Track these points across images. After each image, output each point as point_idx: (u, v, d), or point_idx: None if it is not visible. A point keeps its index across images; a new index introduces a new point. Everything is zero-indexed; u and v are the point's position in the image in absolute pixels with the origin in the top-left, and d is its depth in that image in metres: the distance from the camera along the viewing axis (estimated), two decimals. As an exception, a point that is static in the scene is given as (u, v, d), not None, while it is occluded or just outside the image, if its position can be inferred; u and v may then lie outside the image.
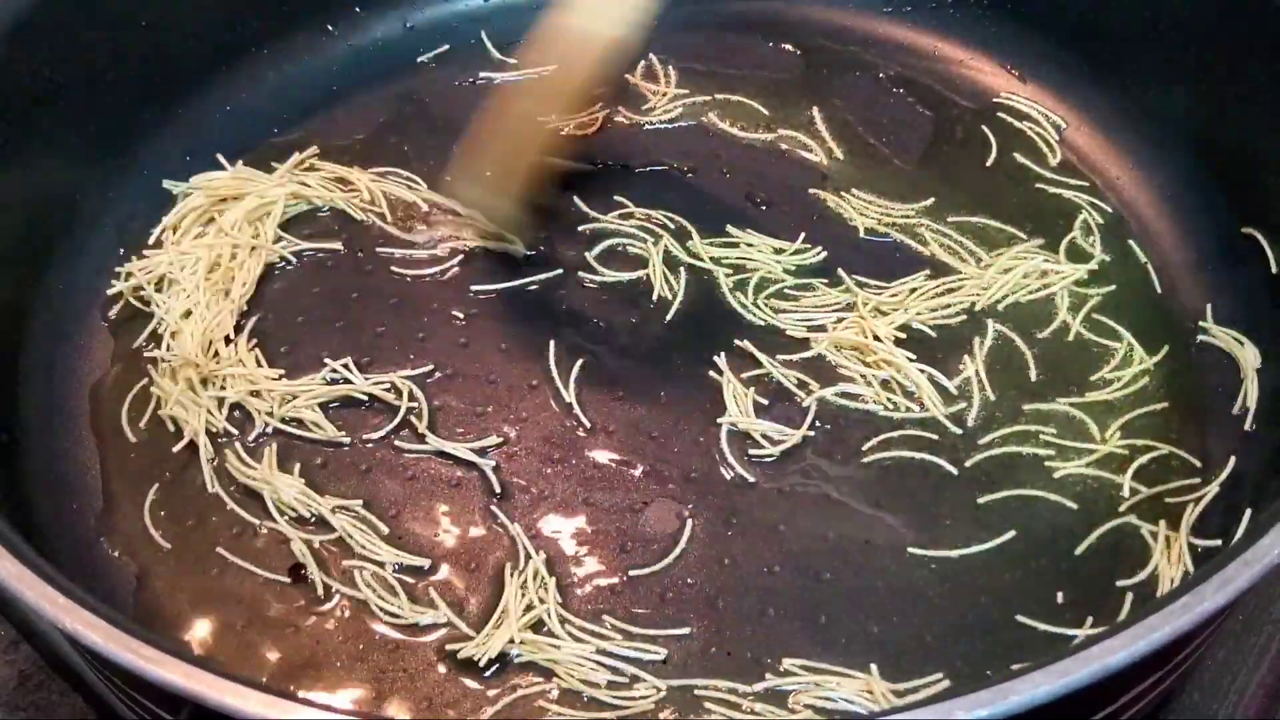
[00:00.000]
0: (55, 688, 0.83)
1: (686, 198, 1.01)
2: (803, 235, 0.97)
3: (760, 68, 1.13)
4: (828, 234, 0.98)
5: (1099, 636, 0.54)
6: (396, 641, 0.76)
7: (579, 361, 0.90)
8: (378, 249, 0.98)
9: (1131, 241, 0.96)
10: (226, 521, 0.82)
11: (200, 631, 0.77)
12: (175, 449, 0.85)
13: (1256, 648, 0.82)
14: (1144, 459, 0.83)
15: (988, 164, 1.04)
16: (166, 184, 1.01)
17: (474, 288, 0.95)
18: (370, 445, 0.86)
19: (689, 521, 0.81)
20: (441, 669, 0.75)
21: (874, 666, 0.74)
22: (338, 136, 1.07)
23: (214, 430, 0.86)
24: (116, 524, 0.83)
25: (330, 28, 1.13)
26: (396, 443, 0.86)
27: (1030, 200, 1.01)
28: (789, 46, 1.15)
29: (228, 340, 0.90)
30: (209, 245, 0.95)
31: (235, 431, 0.86)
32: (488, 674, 0.74)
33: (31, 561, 0.60)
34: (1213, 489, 0.81)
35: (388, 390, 0.88)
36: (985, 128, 1.06)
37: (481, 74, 1.12)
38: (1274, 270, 0.89)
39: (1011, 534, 0.80)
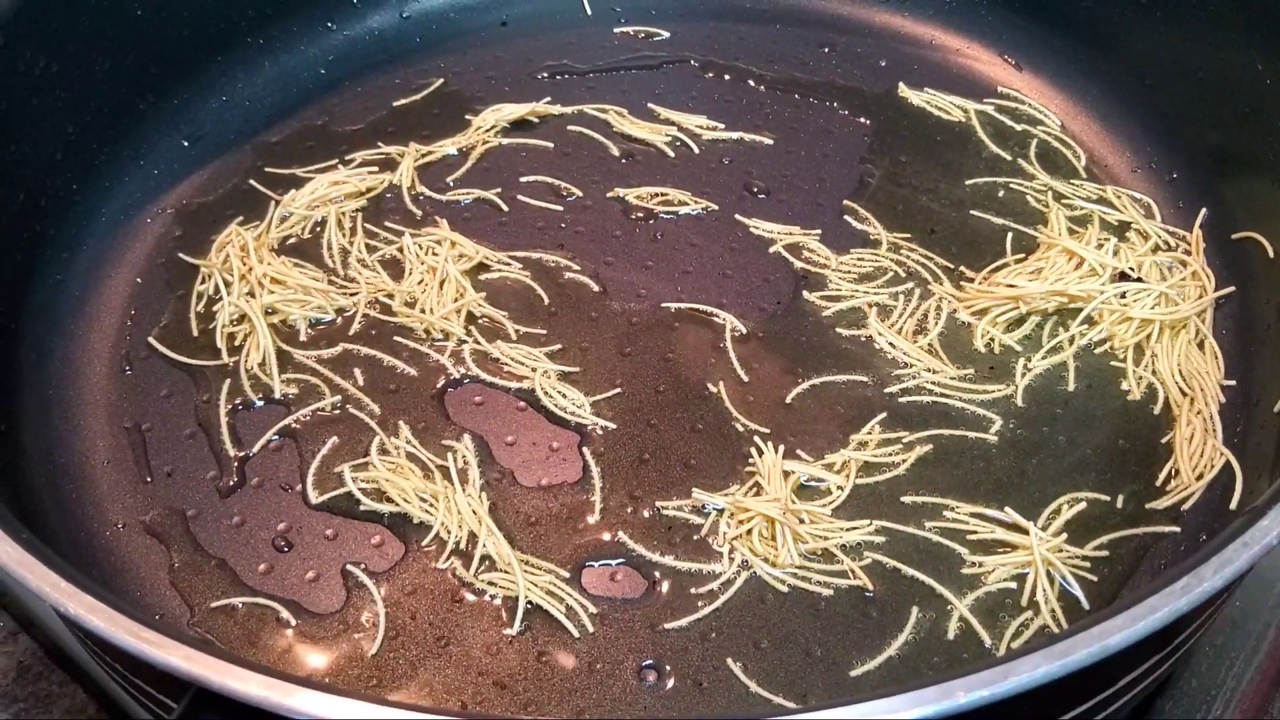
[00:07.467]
0: (54, 678, 0.83)
1: (682, 184, 1.01)
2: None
3: (757, 57, 1.13)
4: (826, 221, 0.98)
5: (1098, 618, 0.55)
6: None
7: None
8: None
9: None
10: (227, 510, 0.82)
11: (200, 616, 0.77)
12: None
13: (1254, 634, 0.82)
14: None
15: (987, 156, 1.04)
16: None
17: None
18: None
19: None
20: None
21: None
22: (334, 126, 1.07)
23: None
24: (116, 513, 0.83)
25: (330, 24, 1.13)
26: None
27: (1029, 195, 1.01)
28: (788, 36, 1.15)
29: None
30: None
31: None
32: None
33: (33, 547, 0.60)
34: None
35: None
36: (990, 121, 1.06)
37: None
38: (1271, 255, 0.89)
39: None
